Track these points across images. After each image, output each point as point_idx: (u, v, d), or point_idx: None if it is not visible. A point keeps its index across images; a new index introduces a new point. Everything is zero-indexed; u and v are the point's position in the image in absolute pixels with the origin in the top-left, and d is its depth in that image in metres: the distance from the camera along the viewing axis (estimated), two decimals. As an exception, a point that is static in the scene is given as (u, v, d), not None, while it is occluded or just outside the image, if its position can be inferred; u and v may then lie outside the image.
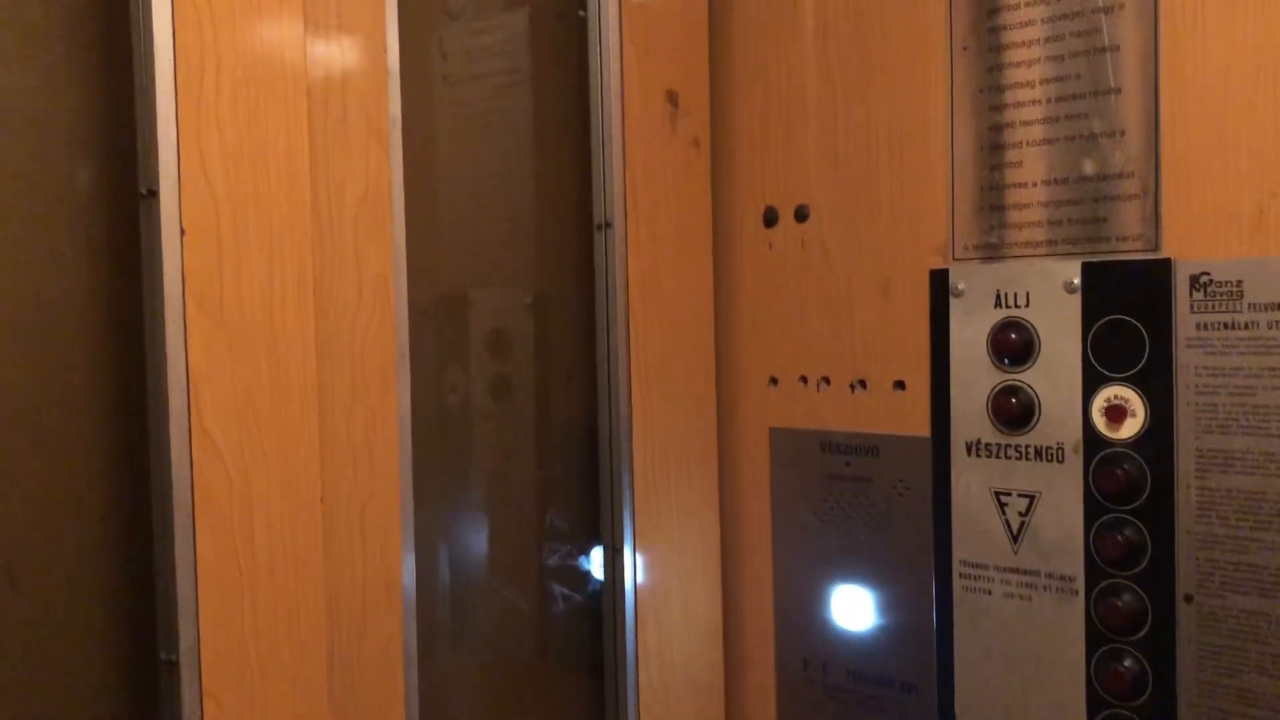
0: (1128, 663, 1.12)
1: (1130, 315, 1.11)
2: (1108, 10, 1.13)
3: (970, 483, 1.22)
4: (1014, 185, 1.20)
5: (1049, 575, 1.17)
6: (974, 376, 1.21)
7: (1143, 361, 1.10)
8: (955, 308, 1.22)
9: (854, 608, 1.34)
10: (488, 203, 1.28)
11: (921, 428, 1.27)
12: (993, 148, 1.21)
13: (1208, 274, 1.07)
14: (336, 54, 1.04)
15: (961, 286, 1.22)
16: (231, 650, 0.95)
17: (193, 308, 0.92)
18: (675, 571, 1.38)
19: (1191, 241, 1.08)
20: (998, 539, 1.20)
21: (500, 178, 1.29)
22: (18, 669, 0.89)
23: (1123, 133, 1.12)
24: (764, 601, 1.43)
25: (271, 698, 0.97)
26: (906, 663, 1.30)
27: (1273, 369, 1.04)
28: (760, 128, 1.40)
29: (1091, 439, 1.13)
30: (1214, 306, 1.06)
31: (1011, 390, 1.18)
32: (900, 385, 1.29)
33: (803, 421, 1.38)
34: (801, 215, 1.36)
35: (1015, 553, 1.19)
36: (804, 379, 1.38)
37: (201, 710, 0.93)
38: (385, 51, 1.08)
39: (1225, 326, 1.06)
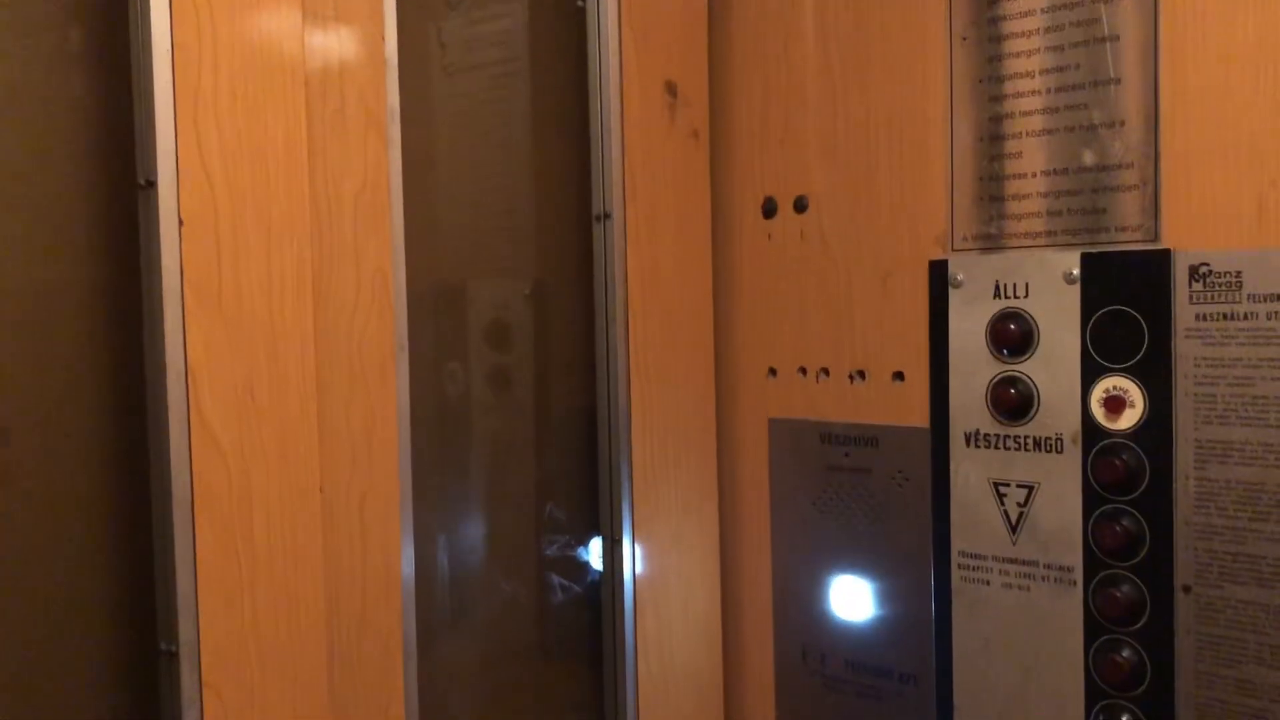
0: (1126, 653, 1.12)
1: (1129, 306, 1.11)
2: (1107, 0, 1.12)
3: (969, 473, 1.22)
4: (1013, 176, 1.19)
5: (1047, 566, 1.17)
6: (973, 367, 1.21)
7: (1142, 352, 1.10)
8: (954, 298, 1.22)
9: (853, 598, 1.35)
10: (487, 194, 1.28)
11: (920, 418, 1.27)
12: (992, 138, 1.21)
13: (1207, 265, 1.07)
14: (334, 45, 1.04)
15: (961, 277, 1.22)
16: (231, 642, 0.95)
17: (191, 299, 0.92)
18: (674, 562, 1.39)
19: (1191, 232, 1.08)
20: (996, 529, 1.20)
21: (499, 169, 1.29)
22: (19, 658, 0.90)
23: (1122, 123, 1.12)
24: (763, 592, 1.43)
25: (271, 689, 0.97)
26: (905, 653, 1.30)
27: (1272, 360, 1.04)
28: (759, 118, 1.40)
29: (1090, 430, 1.14)
30: (1213, 297, 1.06)
31: (1010, 381, 1.18)
32: (899, 376, 1.29)
33: (802, 412, 1.38)
34: (800, 206, 1.36)
35: (1014, 543, 1.19)
36: (803, 370, 1.38)
37: (201, 701, 0.93)
38: (383, 42, 1.07)
39: (1224, 317, 1.06)
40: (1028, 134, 1.18)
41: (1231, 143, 1.05)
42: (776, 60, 1.38)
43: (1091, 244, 1.14)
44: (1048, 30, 1.17)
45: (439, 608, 1.22)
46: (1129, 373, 1.11)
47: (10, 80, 0.88)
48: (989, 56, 1.21)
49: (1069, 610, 1.16)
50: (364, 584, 1.06)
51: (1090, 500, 1.14)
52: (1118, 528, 1.11)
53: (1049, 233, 1.17)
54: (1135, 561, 1.12)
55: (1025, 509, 1.18)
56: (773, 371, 1.40)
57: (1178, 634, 1.10)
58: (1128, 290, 1.11)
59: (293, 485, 0.99)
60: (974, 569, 1.22)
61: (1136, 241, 1.11)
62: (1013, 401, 1.17)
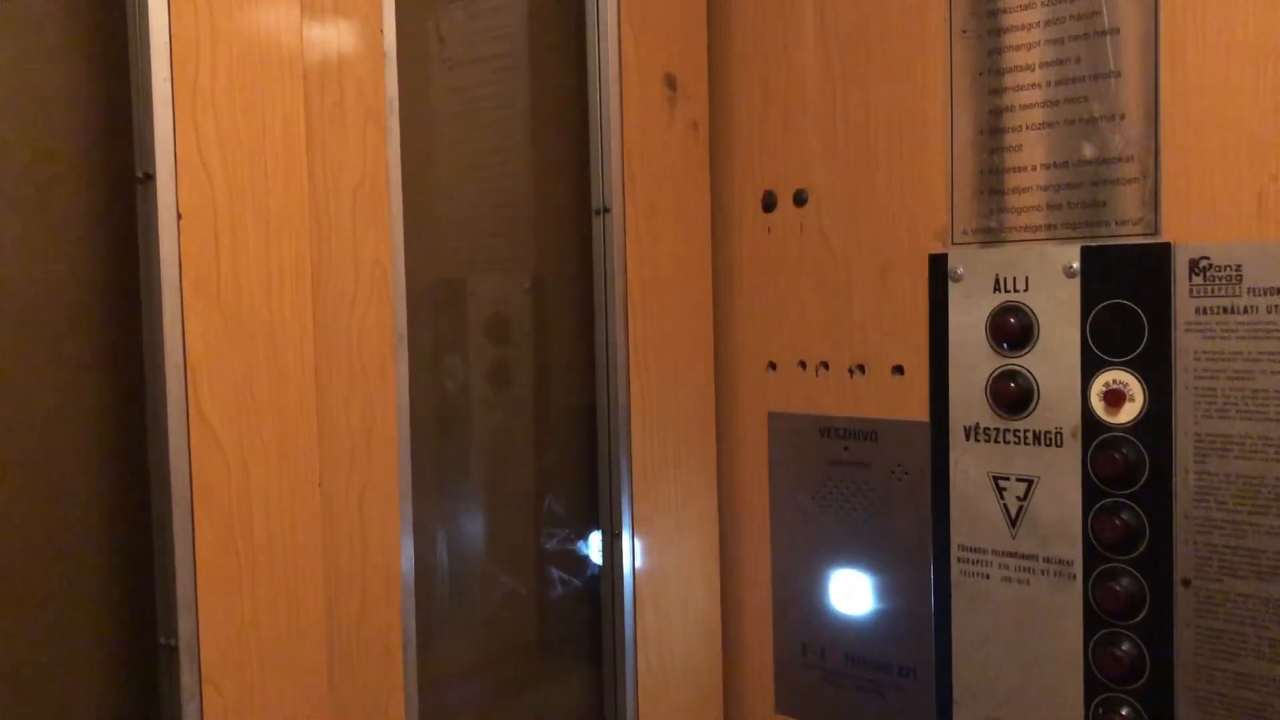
0: (1125, 646, 1.12)
1: (1129, 299, 1.11)
2: (1108, -7, 1.12)
3: (969, 467, 1.22)
4: (1013, 169, 1.19)
5: (1047, 559, 1.17)
6: (973, 361, 1.21)
7: (1141, 346, 1.10)
8: (954, 292, 1.22)
9: (852, 592, 1.35)
10: (486, 187, 1.27)
11: (920, 412, 1.27)
12: (992, 131, 1.21)
13: (1207, 258, 1.06)
14: (333, 37, 1.03)
15: (960, 271, 1.22)
16: (230, 636, 0.95)
17: (190, 294, 0.92)
18: (674, 556, 1.39)
19: (1191, 225, 1.08)
20: (996, 523, 1.20)
21: (498, 163, 1.29)
22: (19, 653, 0.89)
23: (1122, 116, 1.12)
24: (762, 586, 1.43)
25: (270, 684, 0.97)
26: (905, 647, 1.30)
27: (1271, 353, 1.04)
28: (759, 111, 1.39)
29: (1090, 423, 1.14)
30: (1213, 291, 1.06)
31: (1010, 375, 1.18)
32: (899, 370, 1.29)
33: (801, 406, 1.38)
34: (800, 200, 1.36)
35: (1013, 537, 1.19)
36: (803, 364, 1.37)
37: (201, 695, 0.93)
38: (382, 35, 1.07)
39: (1224, 311, 1.06)
40: (1028, 127, 1.18)
41: (1232, 136, 1.05)
42: (776, 54, 1.38)
43: (1091, 237, 1.14)
44: (1048, 23, 1.16)
45: (438, 603, 1.22)
46: (1129, 366, 1.11)
47: (7, 73, 0.88)
48: (989, 49, 1.20)
49: (1069, 604, 1.16)
50: (363, 579, 1.06)
51: (1090, 494, 1.14)
52: (1117, 521, 1.11)
53: (1049, 226, 1.17)
54: (1135, 555, 1.12)
55: (1025, 503, 1.18)
56: (772, 365, 1.40)
57: (1177, 628, 1.10)
58: (1128, 284, 1.11)
59: (292, 480, 0.98)
60: (974, 563, 1.22)
61: (1136, 235, 1.11)
62: (1012, 395, 1.17)
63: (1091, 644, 1.14)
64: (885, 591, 1.32)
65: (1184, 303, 1.08)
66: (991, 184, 1.21)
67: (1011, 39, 1.19)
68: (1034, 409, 1.17)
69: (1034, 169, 1.18)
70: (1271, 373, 1.04)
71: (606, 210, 1.30)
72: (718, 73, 1.42)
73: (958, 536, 1.23)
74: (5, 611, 0.89)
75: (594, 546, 1.35)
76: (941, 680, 1.25)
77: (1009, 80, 1.19)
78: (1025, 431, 1.18)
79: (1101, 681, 1.14)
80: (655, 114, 1.34)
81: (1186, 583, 1.09)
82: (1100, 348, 1.13)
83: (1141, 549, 1.11)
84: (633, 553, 1.33)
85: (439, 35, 1.22)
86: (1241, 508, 1.06)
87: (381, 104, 1.07)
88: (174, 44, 0.90)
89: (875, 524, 1.32)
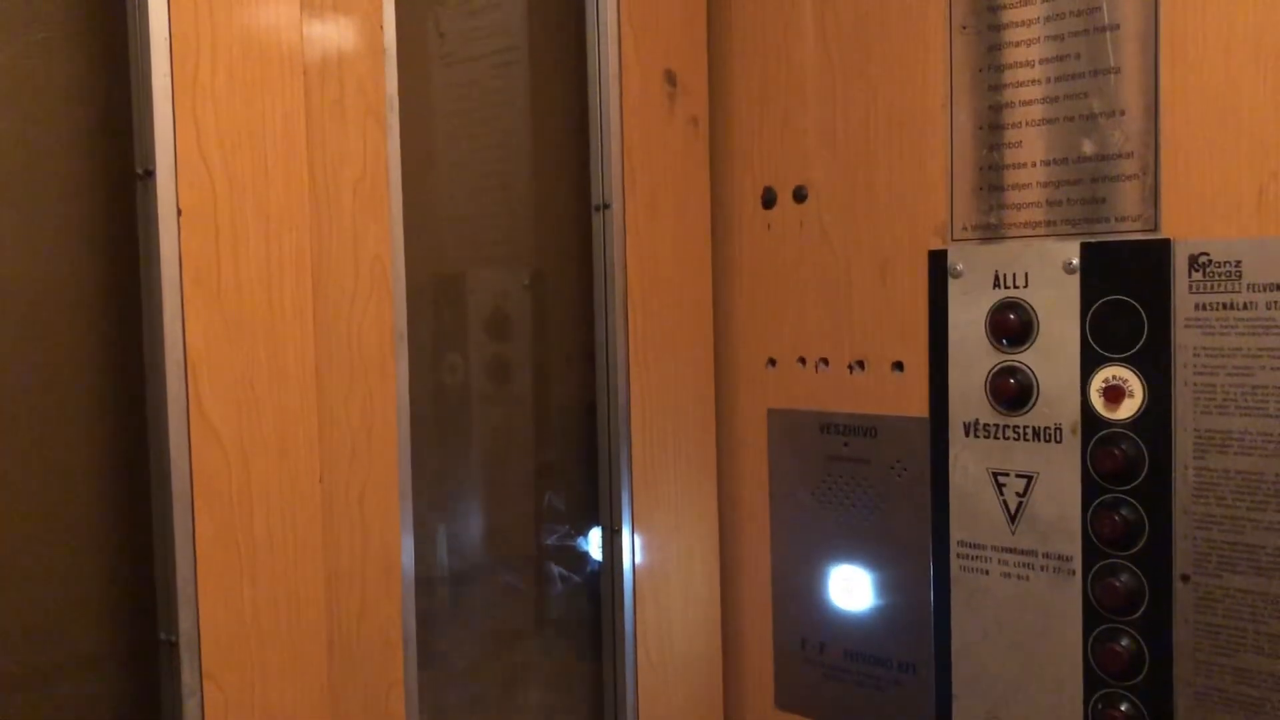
0: (1124, 642, 1.12)
1: (1129, 296, 1.11)
2: (1108, -11, 1.12)
3: (968, 463, 1.22)
4: (1013, 165, 1.19)
5: (1046, 555, 1.17)
6: (972, 357, 1.21)
7: (1141, 342, 1.10)
8: (954, 288, 1.22)
9: (852, 588, 1.35)
10: (486, 183, 1.27)
11: (920, 408, 1.27)
12: (992, 127, 1.21)
13: (1207, 254, 1.06)
14: (333, 33, 1.03)
15: (960, 267, 1.22)
16: (231, 632, 0.95)
17: (190, 290, 0.92)
18: (674, 552, 1.39)
19: (1191, 221, 1.08)
20: (995, 519, 1.20)
21: (498, 158, 1.29)
22: (20, 648, 0.90)
23: (1122, 112, 1.12)
24: (762, 581, 1.43)
25: (271, 679, 0.97)
26: (904, 642, 1.30)
27: (1271, 349, 1.04)
28: (759, 107, 1.39)
29: (1090, 419, 1.14)
30: (1213, 287, 1.06)
31: (1010, 371, 1.18)
32: (899, 366, 1.29)
33: (801, 402, 1.38)
34: (800, 196, 1.36)
35: (1013, 533, 1.19)
36: (802, 360, 1.38)
37: (201, 690, 0.93)
38: (382, 31, 1.07)
39: (1224, 307, 1.06)
40: (1027, 123, 1.18)
41: (1232, 132, 1.05)
42: (776, 49, 1.38)
43: (1091, 234, 1.14)
44: (1048, 19, 1.16)
45: (439, 598, 1.22)
46: (1128, 362, 1.11)
47: (6, 69, 0.88)
48: (989, 45, 1.20)
49: (1068, 600, 1.16)
50: (364, 574, 1.06)
51: (1089, 490, 1.14)
52: (1117, 517, 1.11)
53: (1048, 222, 1.17)
54: (1134, 551, 1.12)
55: (1024, 499, 1.18)
56: (772, 362, 1.40)
57: (1176, 623, 1.10)
58: (1127, 280, 1.11)
59: (292, 476, 0.98)
60: (973, 559, 1.22)
61: (1136, 231, 1.11)
62: (1012, 391, 1.17)
63: (1091, 640, 1.15)
64: (885, 587, 1.32)
65: (1183, 299, 1.08)
66: (991, 180, 1.21)
67: (1011, 35, 1.19)
68: (1033, 405, 1.17)
69: (1034, 165, 1.18)
70: (1271, 369, 1.04)
71: (606, 206, 1.30)
72: (717, 68, 1.42)
73: (957, 532, 1.23)
74: (6, 607, 0.89)
75: (594, 542, 1.35)
76: (941, 676, 1.25)
77: (1009, 76, 1.19)
78: (1025, 427, 1.18)
79: (1100, 677, 1.14)
80: (655, 110, 1.34)
81: (1185, 578, 1.09)
82: (1100, 344, 1.13)
83: (1141, 545, 1.11)
84: (633, 548, 1.33)
85: (439, 31, 1.22)
86: (1241, 503, 1.06)
87: (381, 100, 1.07)
88: (174, 40, 0.90)
89: (875, 520, 1.32)
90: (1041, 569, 1.18)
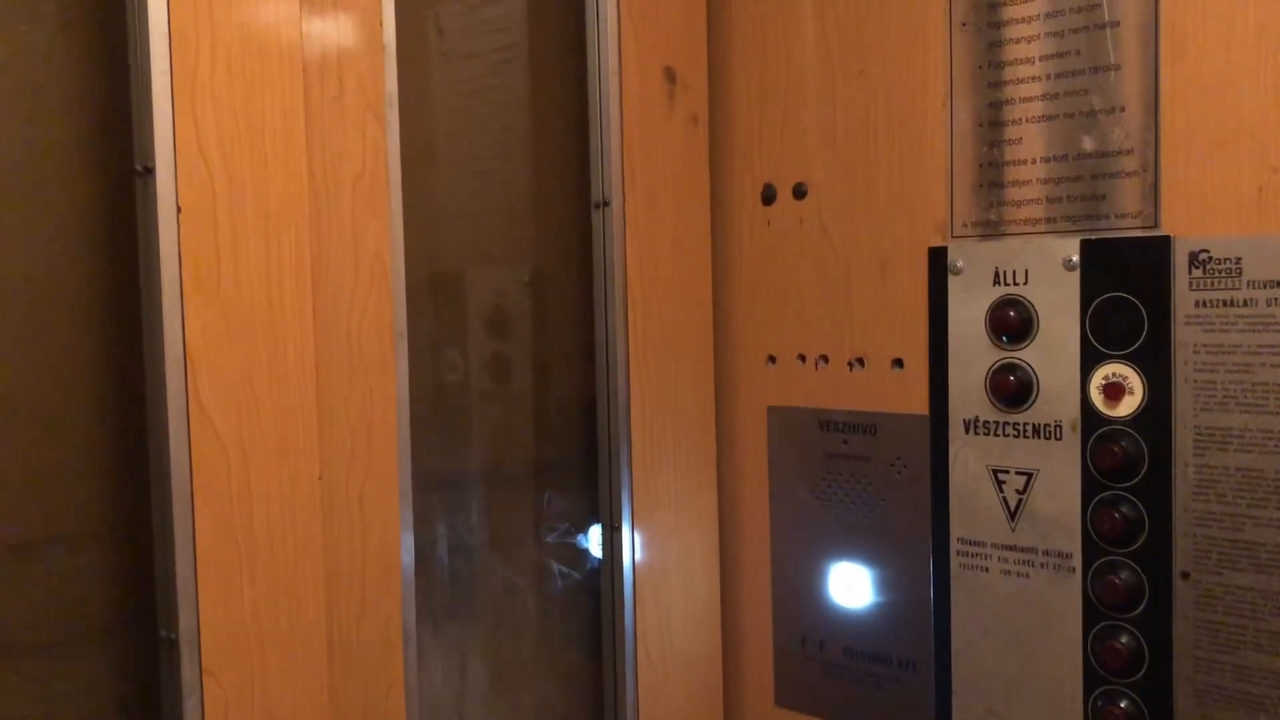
0: (1124, 639, 1.12)
1: (1129, 293, 1.11)
2: (1108, -14, 1.12)
3: (968, 460, 1.22)
4: (1013, 162, 1.19)
5: (1046, 552, 1.17)
6: (972, 354, 1.21)
7: (1141, 339, 1.10)
8: (954, 285, 1.22)
9: (852, 585, 1.35)
10: (485, 181, 1.27)
11: (920, 406, 1.27)
12: (992, 124, 1.21)
13: (1207, 251, 1.06)
14: (332, 30, 1.03)
15: (960, 264, 1.22)
16: (231, 629, 0.95)
17: (190, 287, 0.92)
18: (674, 549, 1.39)
19: (1191, 218, 1.08)
20: (995, 516, 1.20)
21: (498, 155, 1.29)
22: (20, 645, 0.90)
23: (1122, 109, 1.12)
24: (762, 579, 1.43)
25: (271, 676, 0.97)
26: (904, 640, 1.30)
27: (1271, 346, 1.04)
28: (759, 104, 1.39)
29: (1089, 416, 1.14)
30: (1213, 284, 1.06)
31: (1010, 368, 1.18)
32: (898, 363, 1.29)
33: (801, 400, 1.38)
34: (800, 193, 1.36)
35: (1013, 530, 1.19)
36: (802, 357, 1.37)
37: (201, 688, 0.93)
38: (381, 28, 1.07)
39: (1224, 304, 1.06)
40: (1027, 120, 1.18)
41: (1232, 128, 1.05)
42: (776, 46, 1.37)
43: (1091, 230, 1.14)
44: (1048, 16, 1.16)
45: (439, 594, 1.22)
46: (1128, 359, 1.11)
47: (6, 66, 0.88)
48: (989, 42, 1.20)
49: (1068, 597, 1.16)
50: (363, 571, 1.06)
51: (1089, 487, 1.14)
52: (1117, 514, 1.11)
53: (1049, 219, 1.17)
54: (1134, 548, 1.12)
55: (1024, 496, 1.18)
56: (772, 359, 1.40)
57: (1176, 620, 1.10)
58: (1127, 277, 1.11)
59: (292, 474, 0.98)
60: (973, 556, 1.22)
61: (1136, 228, 1.11)
62: (1012, 388, 1.17)
63: (1090, 637, 1.15)
64: (884, 584, 1.32)
65: (1184, 296, 1.08)
66: (991, 177, 1.21)
67: (1011, 32, 1.19)
68: (1033, 402, 1.17)
69: (1034, 162, 1.18)
70: (1271, 365, 1.04)
71: (606, 203, 1.30)
72: (717, 66, 1.42)
73: (957, 530, 1.23)
74: (7, 604, 0.89)
75: (594, 539, 1.35)
76: (940, 673, 1.25)
77: (1009, 73, 1.19)
78: (1025, 425, 1.18)
79: (1100, 674, 1.14)
80: (655, 107, 1.33)
81: (1185, 575, 1.09)
82: (1100, 341, 1.13)
83: (1141, 542, 1.11)
84: (633, 546, 1.33)
85: (438, 28, 1.22)
86: (1241, 500, 1.06)
87: (381, 97, 1.07)
88: (173, 37, 0.90)
89: (875, 517, 1.32)
90: (1041, 566, 1.18)
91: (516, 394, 1.31)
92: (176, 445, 0.92)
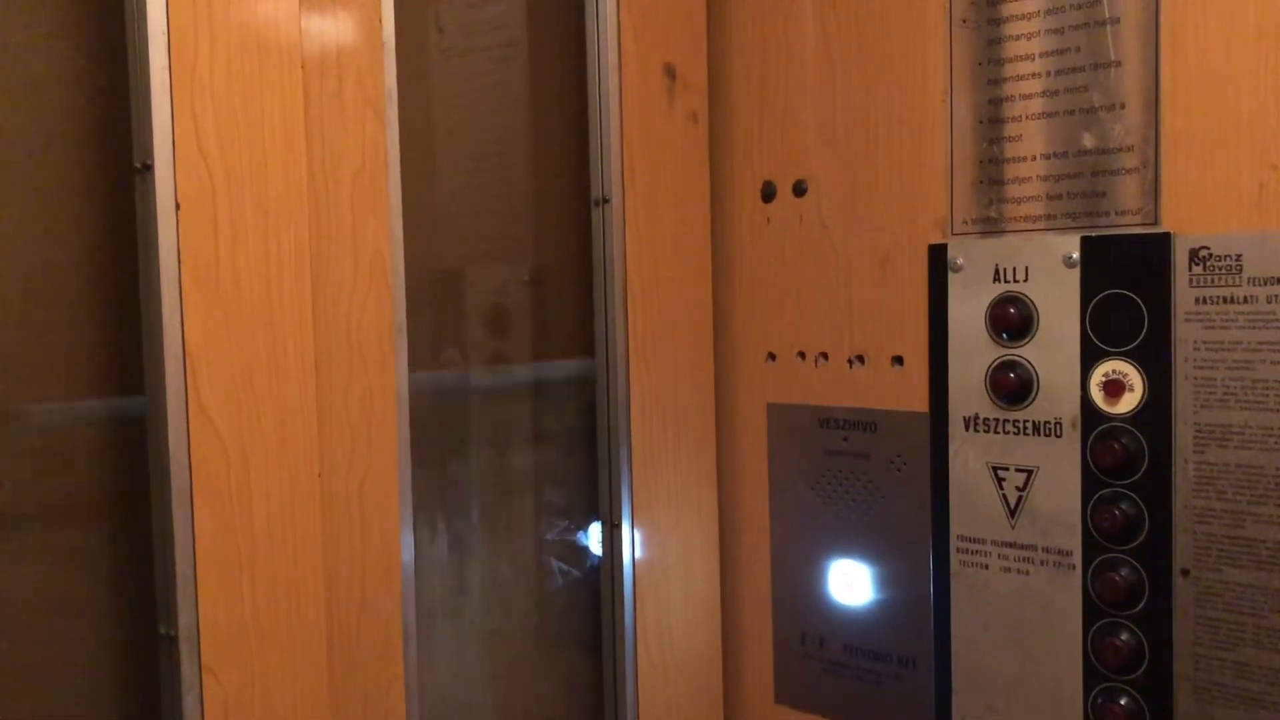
0: (1124, 636, 1.12)
1: (1129, 289, 1.11)
2: (1108, -18, 1.12)
3: (968, 458, 1.22)
4: (1013, 159, 1.19)
5: (1046, 550, 1.17)
6: (972, 351, 1.21)
7: (1141, 336, 1.10)
8: (954, 282, 1.22)
9: (851, 582, 1.35)
10: (485, 178, 1.27)
11: (919, 403, 1.27)
12: (992, 121, 1.20)
13: (1207, 248, 1.06)
14: (331, 27, 1.03)
15: (960, 261, 1.22)
16: (230, 626, 0.95)
17: (189, 284, 0.91)
18: (673, 546, 1.39)
19: (1191, 215, 1.08)
20: (995, 514, 1.20)
21: (497, 152, 1.29)
22: (20, 643, 0.89)
23: (1122, 106, 1.12)
24: (761, 576, 1.43)
25: (271, 673, 0.97)
26: (904, 637, 1.30)
27: (1271, 343, 1.04)
28: (759, 101, 1.39)
29: (1090, 413, 1.13)
30: (1213, 281, 1.06)
31: (1010, 365, 1.18)
32: (898, 361, 1.29)
33: (801, 397, 1.38)
34: (800, 190, 1.36)
35: (1013, 527, 1.19)
36: (802, 354, 1.37)
37: (200, 685, 0.93)
38: (381, 24, 1.07)
39: (1224, 301, 1.05)
40: (1027, 117, 1.18)
41: (1232, 125, 1.05)
42: (776, 43, 1.37)
43: (1091, 227, 1.14)
44: (1048, 13, 1.16)
45: (439, 592, 1.22)
46: (1128, 356, 1.11)
47: (5, 64, 0.88)
48: (989, 39, 1.20)
49: (1068, 594, 1.16)
50: (363, 569, 1.06)
51: (1089, 484, 1.14)
52: (1117, 511, 1.11)
53: (1049, 216, 1.17)
54: (1134, 545, 1.12)
55: (1024, 493, 1.18)
56: (772, 356, 1.40)
57: (1176, 617, 1.10)
58: (1127, 274, 1.11)
59: (292, 471, 0.98)
60: (973, 553, 1.22)
61: (1136, 225, 1.11)
62: (1012, 386, 1.17)
63: (1090, 634, 1.15)
64: (884, 582, 1.32)
65: (1184, 293, 1.08)
66: (991, 174, 1.21)
67: (1011, 28, 1.19)
68: (1033, 399, 1.17)
69: (1034, 159, 1.18)
70: (1271, 362, 1.04)
71: (606, 201, 1.30)
72: (717, 63, 1.41)
73: (957, 527, 1.23)
74: (6, 602, 0.89)
75: (594, 537, 1.35)
76: (940, 670, 1.25)
77: (1009, 70, 1.19)
78: (1025, 422, 1.18)
79: (1100, 671, 1.14)
80: (655, 104, 1.33)
81: (1185, 572, 1.09)
82: (1100, 338, 1.13)
83: (1141, 539, 1.11)
84: (632, 543, 1.33)
85: (438, 25, 1.22)
86: (1241, 497, 1.06)
87: (380, 94, 1.06)
88: (172, 34, 0.90)
89: (874, 514, 1.32)
90: (1041, 563, 1.17)
91: (516, 391, 1.31)
92: (176, 442, 0.91)
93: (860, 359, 1.32)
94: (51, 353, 0.91)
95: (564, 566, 1.35)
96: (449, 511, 1.24)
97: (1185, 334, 1.08)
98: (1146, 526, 1.11)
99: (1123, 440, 1.11)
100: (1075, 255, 1.14)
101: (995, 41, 1.20)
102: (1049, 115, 1.17)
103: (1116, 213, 1.12)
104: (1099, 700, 1.14)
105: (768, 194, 1.39)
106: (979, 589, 1.22)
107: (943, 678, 1.25)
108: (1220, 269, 1.06)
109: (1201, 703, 1.09)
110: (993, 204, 1.21)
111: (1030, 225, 1.18)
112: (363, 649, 1.07)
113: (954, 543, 1.24)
